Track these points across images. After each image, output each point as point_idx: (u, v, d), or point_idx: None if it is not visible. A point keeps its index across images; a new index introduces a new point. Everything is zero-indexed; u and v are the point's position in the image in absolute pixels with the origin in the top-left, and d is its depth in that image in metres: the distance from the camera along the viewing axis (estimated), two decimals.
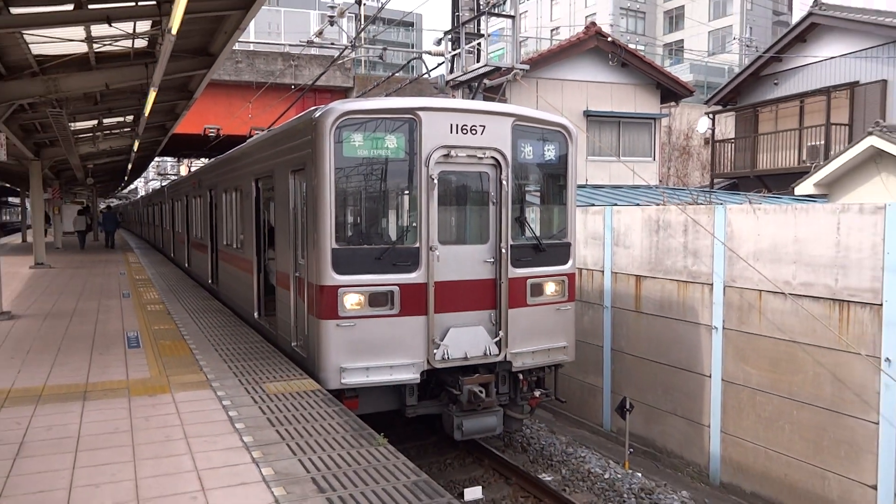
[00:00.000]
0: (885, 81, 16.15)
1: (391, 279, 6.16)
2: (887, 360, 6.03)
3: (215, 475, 3.92)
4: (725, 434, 7.59)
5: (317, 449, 4.31)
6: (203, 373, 6.24)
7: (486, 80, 10.55)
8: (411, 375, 6.25)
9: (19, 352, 7.17)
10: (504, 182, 6.54)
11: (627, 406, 7.84)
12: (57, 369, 6.39)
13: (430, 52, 12.03)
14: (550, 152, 7.02)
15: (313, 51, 19.82)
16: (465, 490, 6.46)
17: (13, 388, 5.77)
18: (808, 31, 17.97)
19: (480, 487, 6.57)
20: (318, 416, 4.98)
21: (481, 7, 10.98)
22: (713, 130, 20.40)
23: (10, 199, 52.84)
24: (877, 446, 6.11)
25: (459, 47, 10.49)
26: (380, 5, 9.97)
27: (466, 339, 6.42)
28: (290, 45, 21.32)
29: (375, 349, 6.14)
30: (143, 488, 3.73)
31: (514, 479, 6.98)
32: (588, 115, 18.17)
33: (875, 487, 6.13)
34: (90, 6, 7.16)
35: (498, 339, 6.55)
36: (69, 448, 4.34)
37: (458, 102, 7.15)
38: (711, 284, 7.78)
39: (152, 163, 39.49)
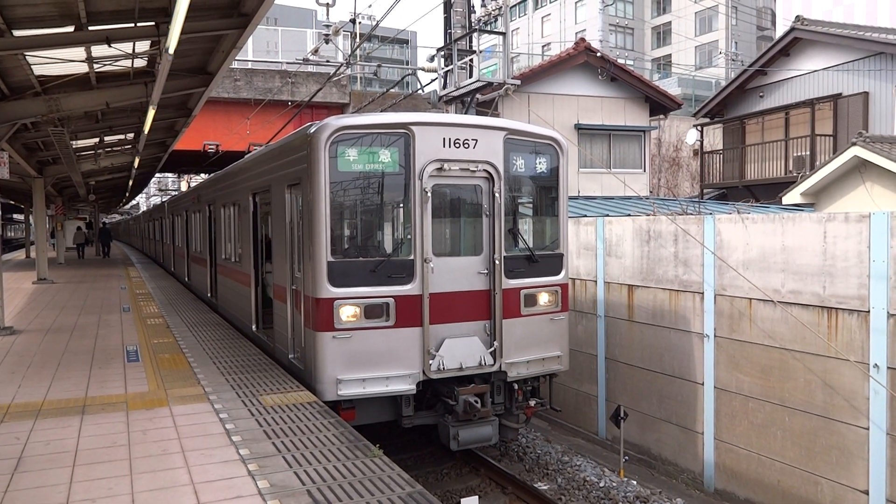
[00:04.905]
0: (866, 93, 16.44)
1: (386, 291, 6.25)
2: (875, 366, 6.12)
3: (211, 488, 3.95)
4: (719, 441, 7.65)
5: (312, 461, 4.36)
6: (201, 386, 6.30)
7: (478, 96, 10.73)
8: (407, 386, 6.32)
9: (20, 367, 7.24)
10: (497, 194, 6.66)
11: (622, 414, 7.91)
12: (57, 384, 6.46)
13: (423, 69, 12.24)
14: (542, 165, 7.14)
15: (310, 68, 20.09)
16: (462, 500, 6.48)
17: (13, 402, 5.83)
18: (791, 46, 18.31)
19: (477, 497, 6.59)
20: (315, 428, 5.04)
21: (473, 24, 11.19)
22: (701, 142, 20.67)
23: (14, 215, 53.02)
24: (867, 451, 6.18)
25: (452, 64, 10.68)
26: (374, 23, 10.17)
27: (461, 350, 6.49)
28: (288, 63, 21.62)
29: (371, 361, 6.21)
30: (140, 502, 3.78)
31: (511, 489, 7.02)
32: (579, 128, 18.39)
33: (867, 492, 6.19)
34: (90, 28, 7.33)
35: (493, 349, 6.63)
36: (67, 462, 4.39)
37: (451, 117, 7.28)
38: (702, 293, 7.88)
39: (153, 179, 39.74)
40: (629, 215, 10.43)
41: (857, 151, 12.91)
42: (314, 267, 6.16)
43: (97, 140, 15.17)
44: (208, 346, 8.22)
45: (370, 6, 17.12)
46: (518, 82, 10.86)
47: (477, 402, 6.38)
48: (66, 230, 27.44)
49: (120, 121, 13.15)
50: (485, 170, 6.64)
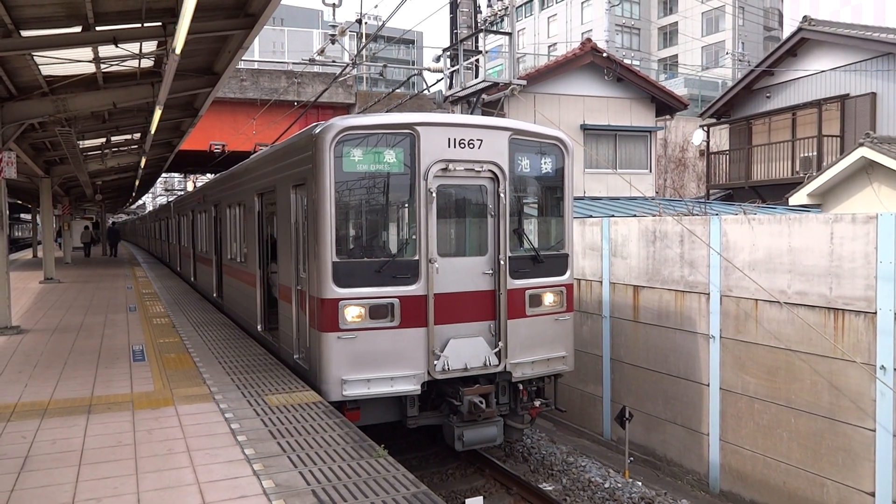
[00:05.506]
0: (874, 94, 16.34)
1: (391, 291, 6.25)
2: (882, 367, 6.08)
3: (216, 488, 3.96)
4: (724, 442, 7.63)
5: (317, 461, 4.37)
6: (206, 385, 6.32)
7: (484, 96, 10.72)
8: (412, 387, 6.32)
9: (27, 366, 7.28)
10: (502, 195, 6.65)
11: (627, 415, 7.89)
12: (63, 383, 6.49)
13: (429, 69, 12.25)
14: (547, 165, 7.13)
15: (316, 68, 20.13)
16: (467, 500, 6.49)
17: (20, 402, 5.87)
18: (798, 46, 18.23)
19: (482, 498, 6.59)
20: (320, 428, 5.05)
21: (479, 25, 11.20)
22: (708, 143, 20.61)
23: (22, 215, 53.35)
24: (873, 453, 6.15)
25: (458, 64, 10.68)
26: (380, 24, 10.19)
27: (466, 350, 6.49)
28: (294, 64, 21.67)
29: (376, 361, 6.21)
30: (145, 502, 3.79)
31: (516, 489, 7.02)
32: (585, 128, 18.35)
33: (873, 494, 6.15)
34: (97, 28, 7.37)
35: (498, 349, 6.62)
36: (73, 462, 4.41)
37: (456, 117, 7.26)
38: (708, 294, 7.85)
39: (159, 179, 39.94)
40: (635, 216, 10.41)
41: (865, 152, 12.84)
42: (319, 267, 6.17)
43: (104, 140, 15.25)
44: (214, 346, 8.25)
45: (376, 6, 17.19)
46: (524, 82, 10.86)
47: (482, 402, 6.37)
48: (72, 230, 27.64)
49: (126, 121, 13.22)
50: (490, 170, 6.64)
